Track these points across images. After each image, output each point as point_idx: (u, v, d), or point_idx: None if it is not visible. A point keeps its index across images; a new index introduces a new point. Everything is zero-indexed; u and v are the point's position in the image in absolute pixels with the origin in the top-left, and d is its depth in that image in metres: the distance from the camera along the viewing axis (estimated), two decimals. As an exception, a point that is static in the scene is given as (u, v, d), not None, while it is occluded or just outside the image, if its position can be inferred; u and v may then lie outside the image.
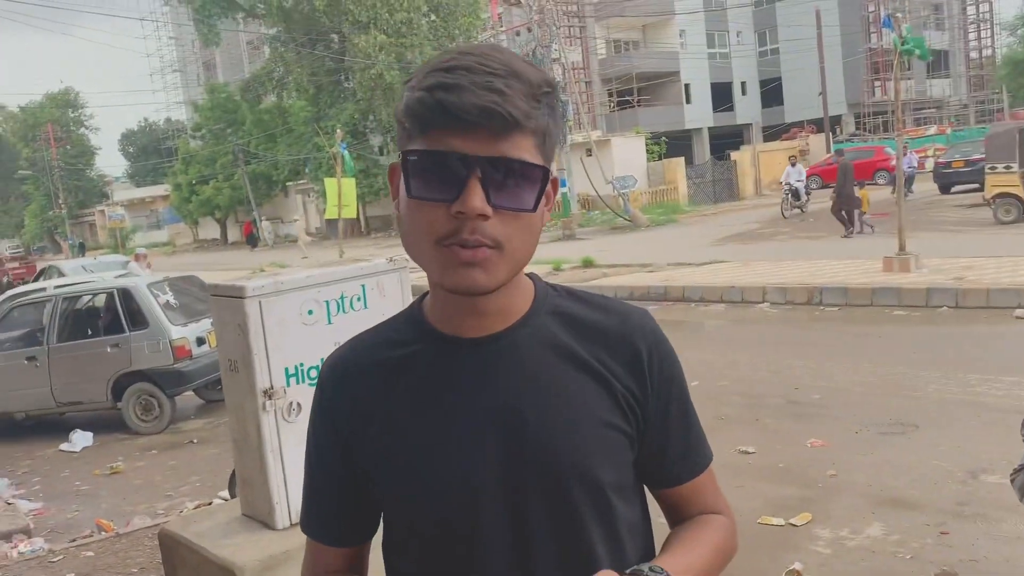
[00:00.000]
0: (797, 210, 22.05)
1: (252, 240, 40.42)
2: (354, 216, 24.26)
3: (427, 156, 0.95)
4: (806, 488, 5.00)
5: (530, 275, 1.11)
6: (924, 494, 4.70)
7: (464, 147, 0.93)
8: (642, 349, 1.10)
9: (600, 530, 1.05)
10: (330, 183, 18.24)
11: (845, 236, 16.18)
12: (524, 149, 0.96)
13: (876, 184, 28.52)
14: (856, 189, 16.43)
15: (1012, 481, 1.77)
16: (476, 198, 0.93)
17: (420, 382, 1.07)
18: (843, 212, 16.41)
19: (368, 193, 33.82)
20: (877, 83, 42.81)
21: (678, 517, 1.18)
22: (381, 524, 1.17)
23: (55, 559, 4.98)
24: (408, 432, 1.06)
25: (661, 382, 1.11)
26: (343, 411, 1.10)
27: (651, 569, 0.98)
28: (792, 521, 4.53)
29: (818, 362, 7.79)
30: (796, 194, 21.97)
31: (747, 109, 47.37)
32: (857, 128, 42.39)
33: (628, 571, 0.97)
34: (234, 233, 45.09)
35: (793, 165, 22.57)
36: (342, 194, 17.00)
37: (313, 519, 1.17)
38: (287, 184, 42.17)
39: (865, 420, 6.03)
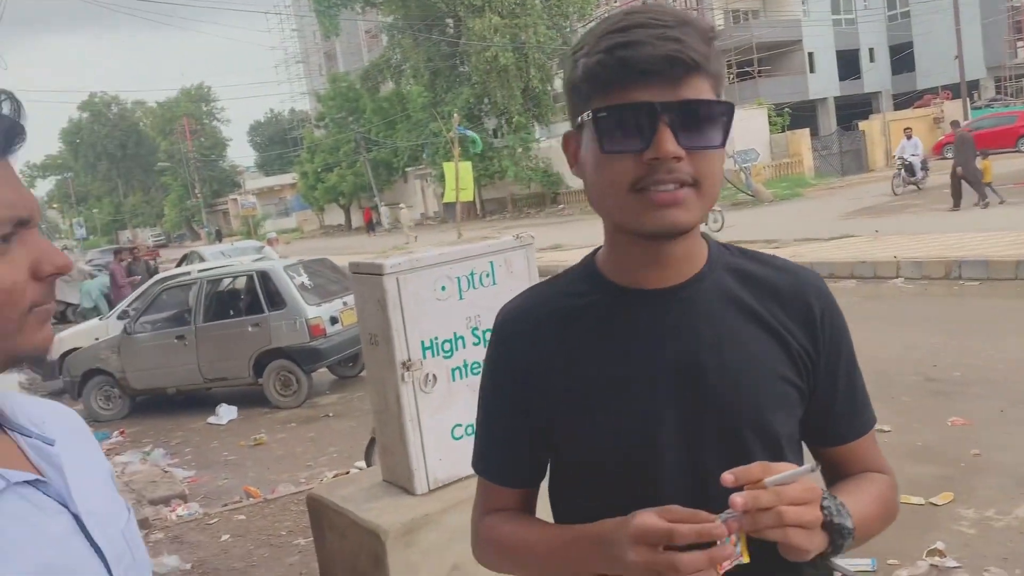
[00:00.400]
0: (912, 187, 20.23)
1: (371, 226, 41.69)
2: (471, 199, 24.67)
3: (616, 111, 1.00)
4: (947, 467, 4.81)
5: (703, 234, 1.15)
6: (1079, 475, 4.45)
7: (648, 97, 0.98)
8: (815, 307, 1.14)
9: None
10: (448, 167, 18.62)
11: (978, 205, 15.32)
12: (703, 91, 1.01)
13: (1019, 151, 26.75)
14: (978, 160, 15.65)
15: None
16: (668, 142, 0.98)
17: (598, 331, 1.11)
18: (963, 183, 15.55)
19: (483, 176, 34.20)
20: (1020, 43, 39.93)
21: (838, 477, 1.20)
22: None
23: (211, 521, 5.37)
24: (587, 380, 1.10)
25: (832, 341, 1.14)
26: (521, 358, 1.15)
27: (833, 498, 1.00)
28: (933, 500, 4.38)
29: (958, 338, 7.44)
30: (911, 169, 20.16)
31: (876, 77, 45.11)
32: (997, 92, 39.70)
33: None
34: (357, 219, 46.55)
35: (909, 138, 20.54)
36: (459, 177, 17.32)
37: (488, 461, 1.23)
38: (406, 170, 43.14)
39: (1011, 398, 5.73)
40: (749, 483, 0.92)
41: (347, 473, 5.72)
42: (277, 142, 64.27)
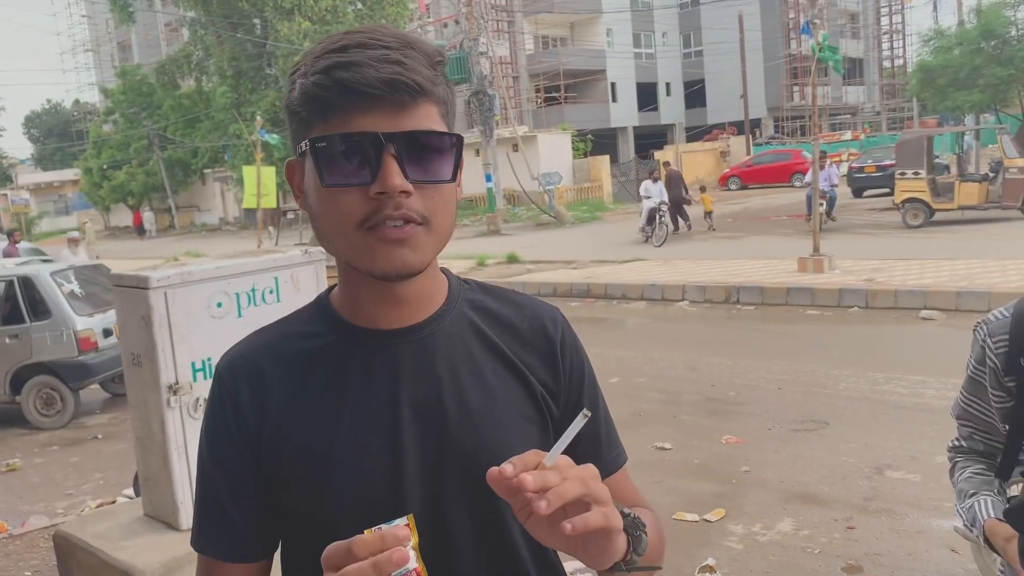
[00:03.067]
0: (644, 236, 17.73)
1: (141, 230, 39.56)
2: (274, 206, 23.67)
3: (336, 140, 0.91)
4: (720, 484, 5.07)
5: (442, 268, 1.09)
6: (832, 490, 4.82)
7: (371, 125, 0.91)
8: (556, 343, 1.11)
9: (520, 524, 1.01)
10: (249, 171, 17.74)
11: (676, 231, 18.45)
12: (431, 119, 0.94)
13: (793, 186, 29.36)
14: (686, 194, 19.05)
15: (950, 459, 1.86)
16: (395, 176, 0.90)
17: (334, 376, 1.03)
18: (676, 215, 18.65)
19: (288, 183, 33.11)
20: (796, 88, 44.06)
21: None
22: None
23: (-59, 562, 4.70)
24: (324, 428, 1.01)
25: (572, 375, 1.11)
26: (248, 407, 1.03)
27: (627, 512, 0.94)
28: (706, 517, 4.59)
29: (734, 360, 7.94)
30: (651, 217, 17.49)
31: (671, 109, 48.17)
32: (776, 131, 43.55)
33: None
34: (147, 220, 43.57)
35: (655, 181, 18.12)
36: (261, 183, 16.59)
37: (211, 534, 1.07)
38: (204, 171, 41.02)
39: (778, 417, 6.17)
40: (529, 469, 0.84)
41: (113, 503, 5.22)
42: (57, 135, 59.06)
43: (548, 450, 1.04)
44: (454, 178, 0.97)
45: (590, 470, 0.86)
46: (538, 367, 1.08)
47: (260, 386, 1.03)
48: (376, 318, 1.03)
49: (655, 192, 17.57)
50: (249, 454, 1.03)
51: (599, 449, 1.12)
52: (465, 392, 1.03)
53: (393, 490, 0.99)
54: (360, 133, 0.91)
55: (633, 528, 0.93)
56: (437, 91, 0.94)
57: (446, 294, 1.08)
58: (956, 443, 1.82)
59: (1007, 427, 1.65)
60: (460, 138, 0.96)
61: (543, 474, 0.82)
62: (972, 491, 1.68)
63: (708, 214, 19.02)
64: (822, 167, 16.04)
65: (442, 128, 0.95)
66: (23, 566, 4.55)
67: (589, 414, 0.88)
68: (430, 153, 0.94)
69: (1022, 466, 1.66)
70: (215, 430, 1.06)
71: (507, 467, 0.83)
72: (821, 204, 15.11)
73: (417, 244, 0.94)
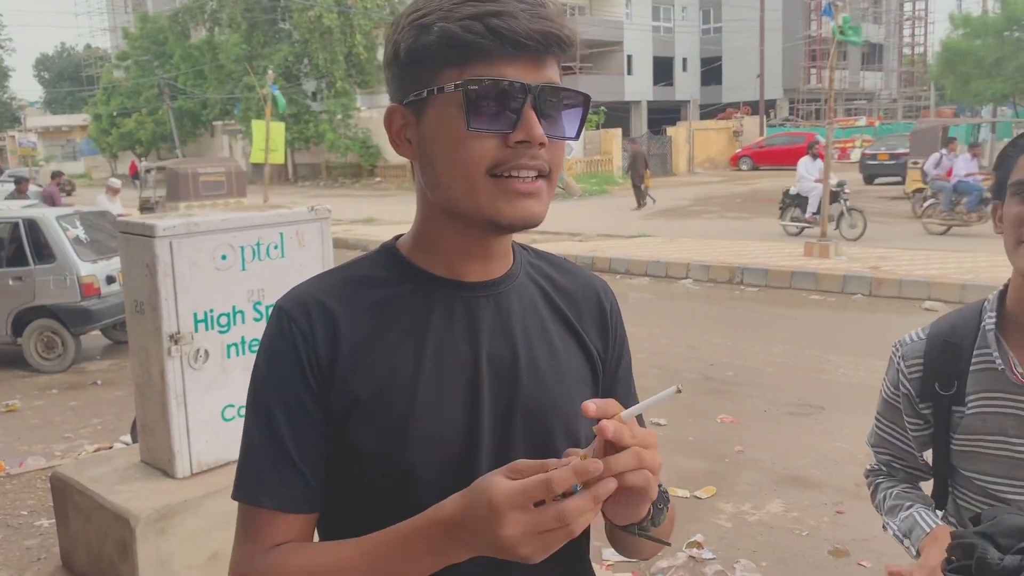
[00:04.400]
0: (805, 226, 13.75)
1: (137, 178, 39.39)
2: (281, 162, 23.58)
3: (490, 85, 0.91)
4: (713, 462, 5.10)
5: None
6: (824, 474, 4.85)
7: (516, 74, 0.92)
8: (606, 307, 1.16)
9: None
10: (258, 125, 17.58)
11: (636, 208, 20.01)
12: (557, 75, 0.96)
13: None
14: (645, 171, 20.60)
15: (868, 484, 1.76)
16: (538, 126, 0.92)
17: (415, 322, 1.02)
18: (636, 187, 20.41)
19: (298, 140, 32.99)
20: (813, 70, 43.64)
21: None
22: None
23: (-62, 497, 4.75)
24: (406, 371, 0.99)
25: (617, 343, 1.17)
26: (319, 345, 0.99)
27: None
28: (697, 494, 4.62)
29: (735, 340, 7.95)
30: (836, 196, 12.88)
31: (687, 86, 47.70)
32: (791, 113, 43.18)
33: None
34: (143, 170, 43.44)
35: (814, 159, 13.73)
36: (270, 138, 16.49)
37: (268, 483, 0.99)
38: (214, 124, 40.83)
39: (775, 399, 6.18)
40: (608, 417, 0.86)
41: (109, 448, 5.27)
42: (68, 79, 58.74)
43: None
44: (578, 136, 0.98)
45: (651, 438, 0.89)
46: (593, 333, 1.13)
47: (332, 326, 1.00)
48: (457, 269, 1.03)
49: (817, 171, 13.26)
50: (319, 393, 0.99)
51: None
52: (535, 351, 1.05)
53: (468, 440, 1.00)
54: (511, 81, 0.91)
55: (660, 501, 0.97)
56: (572, 49, 0.96)
57: (512, 256, 1.09)
58: (875, 467, 1.71)
59: (932, 454, 1.53)
60: (589, 98, 0.98)
61: (620, 428, 0.85)
62: (908, 503, 1.55)
63: (646, 191, 20.56)
64: (952, 151, 14.78)
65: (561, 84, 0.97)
66: (19, 505, 4.60)
67: (681, 390, 0.90)
68: (562, 109, 0.96)
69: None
70: (279, 365, 1.00)
71: (591, 406, 0.86)
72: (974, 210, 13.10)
73: (542, 197, 0.96)
